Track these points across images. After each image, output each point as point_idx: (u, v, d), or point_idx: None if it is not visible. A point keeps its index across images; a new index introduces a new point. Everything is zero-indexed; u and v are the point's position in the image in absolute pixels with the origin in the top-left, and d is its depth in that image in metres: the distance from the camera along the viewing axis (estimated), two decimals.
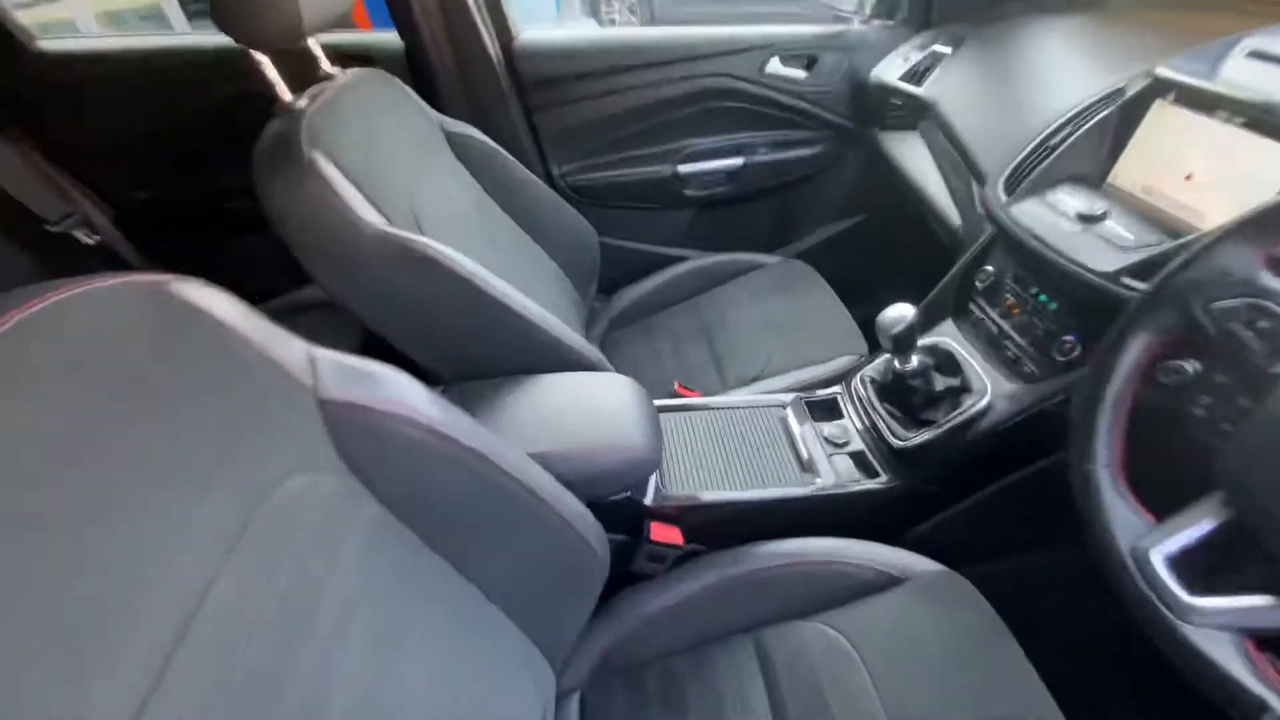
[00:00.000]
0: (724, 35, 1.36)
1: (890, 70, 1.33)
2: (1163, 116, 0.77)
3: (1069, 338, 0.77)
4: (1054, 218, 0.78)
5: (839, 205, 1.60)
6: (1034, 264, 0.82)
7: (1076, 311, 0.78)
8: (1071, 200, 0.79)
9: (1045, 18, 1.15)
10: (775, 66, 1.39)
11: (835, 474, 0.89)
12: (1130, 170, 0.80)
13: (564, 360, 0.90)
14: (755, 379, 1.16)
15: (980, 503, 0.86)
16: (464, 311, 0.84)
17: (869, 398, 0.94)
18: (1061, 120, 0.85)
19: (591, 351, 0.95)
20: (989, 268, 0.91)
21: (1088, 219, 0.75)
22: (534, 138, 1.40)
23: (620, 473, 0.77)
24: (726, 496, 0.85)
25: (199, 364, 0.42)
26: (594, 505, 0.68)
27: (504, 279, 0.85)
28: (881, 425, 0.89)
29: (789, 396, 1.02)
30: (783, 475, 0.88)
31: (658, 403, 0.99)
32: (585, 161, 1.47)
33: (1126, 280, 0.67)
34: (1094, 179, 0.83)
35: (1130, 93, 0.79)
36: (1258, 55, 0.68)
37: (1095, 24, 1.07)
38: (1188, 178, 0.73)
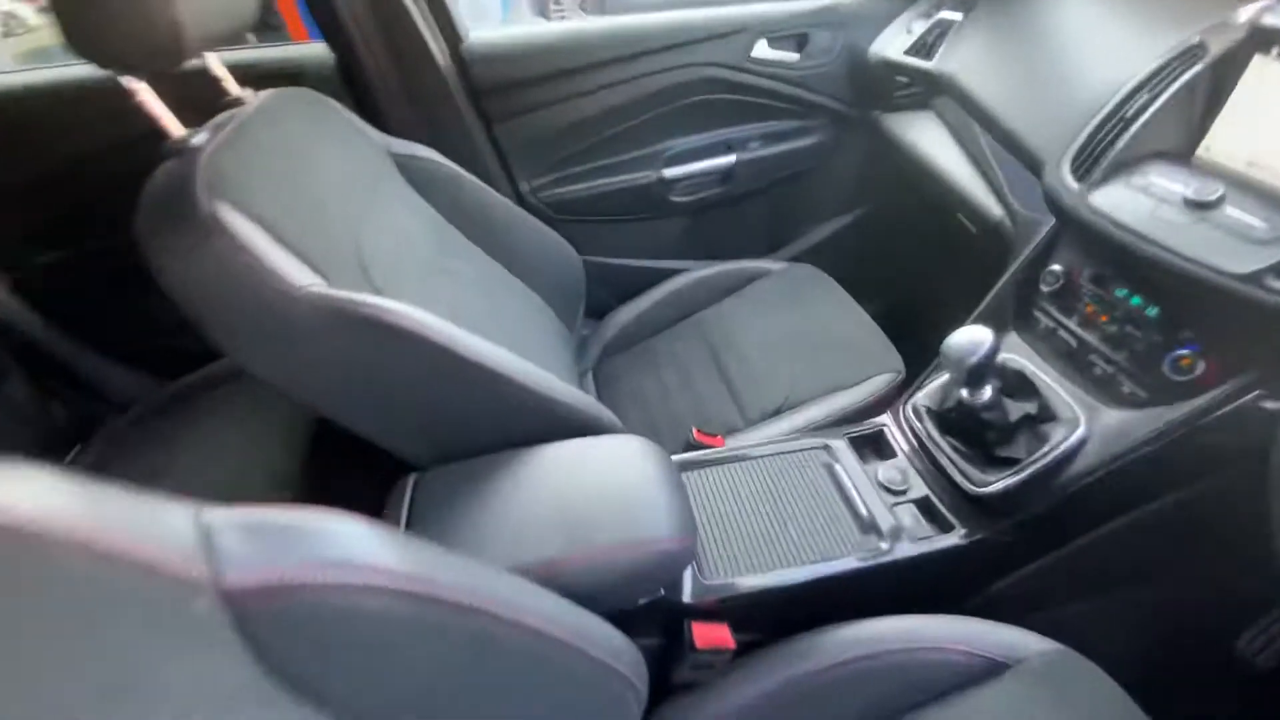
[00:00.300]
0: (702, 19, 1.20)
1: (893, 45, 1.18)
2: (1266, 74, 0.63)
3: (1184, 351, 0.63)
4: (1151, 205, 0.64)
5: (840, 199, 1.45)
6: (1127, 263, 0.68)
7: (1191, 319, 0.63)
8: (1168, 182, 0.64)
9: None
10: (763, 50, 1.23)
11: (903, 532, 0.73)
12: (1227, 142, 0.66)
13: (560, 423, 0.74)
14: (779, 411, 1.01)
15: (1079, 551, 0.72)
16: (433, 380, 0.67)
17: (928, 433, 0.79)
18: (1133, 85, 0.71)
19: (591, 406, 0.78)
20: (1056, 267, 0.77)
21: (1200, 205, 0.60)
22: (497, 152, 1.23)
23: (650, 574, 0.61)
24: (780, 579, 0.69)
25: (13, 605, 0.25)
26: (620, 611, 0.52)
27: (478, 327, 0.69)
28: (950, 468, 0.74)
29: (832, 434, 0.86)
30: (842, 540, 0.73)
31: (677, 459, 0.83)
32: (558, 174, 1.30)
33: (1272, 282, 0.53)
34: (1181, 154, 0.69)
35: (1217, 49, 0.65)
36: None
37: None
38: None
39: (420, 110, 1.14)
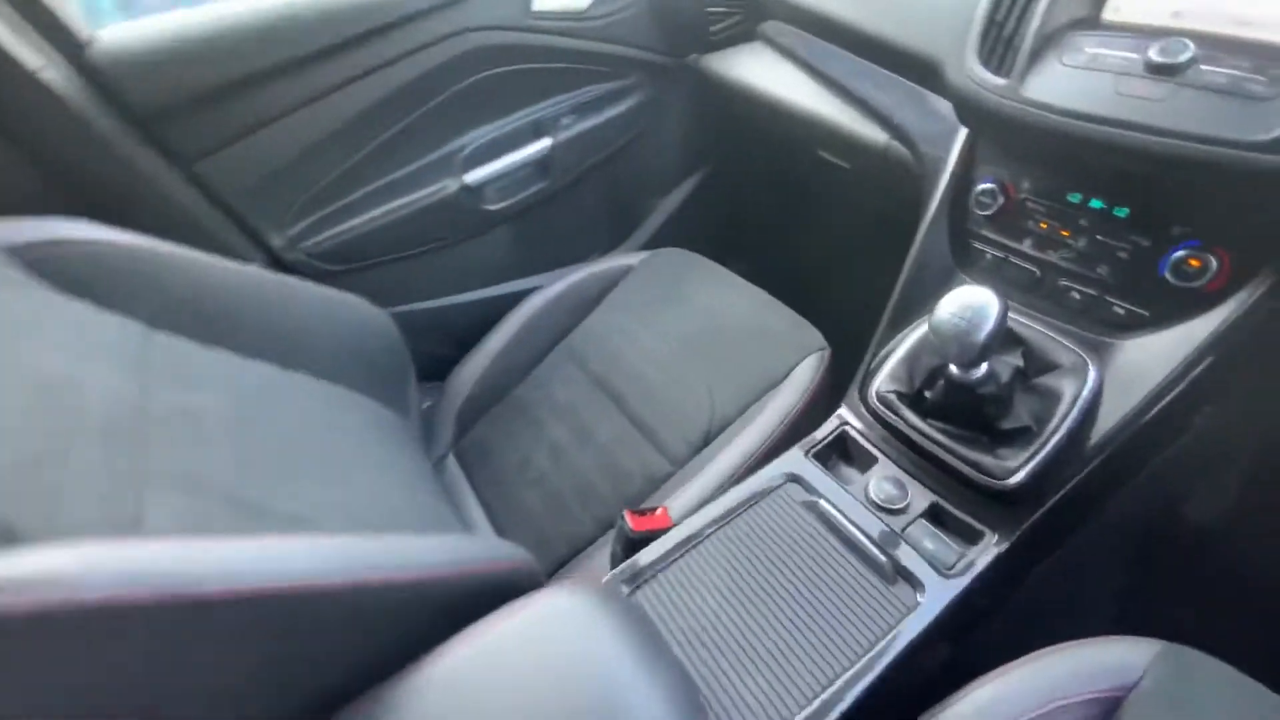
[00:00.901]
0: None
1: None
2: None
3: (1184, 250, 0.51)
4: (1110, 81, 0.51)
5: (681, 164, 1.26)
6: (1085, 161, 0.55)
7: (1181, 212, 0.52)
8: (1117, 51, 0.52)
9: None
10: (544, 1, 0.98)
11: (933, 561, 0.56)
12: None
13: (444, 606, 0.45)
14: (708, 437, 0.81)
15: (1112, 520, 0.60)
16: (195, 647, 0.35)
17: (911, 424, 0.62)
18: None
19: (478, 555, 0.50)
20: (987, 185, 0.63)
21: (1170, 69, 0.48)
22: (213, 202, 0.84)
23: None
24: (832, 705, 0.48)
25: None
26: None
27: (249, 495, 0.41)
28: (959, 465, 0.58)
29: (791, 458, 0.67)
30: (875, 613, 0.54)
31: (621, 576, 0.58)
32: (319, 213, 0.94)
33: None
34: (1089, 21, 0.57)
35: None
36: None
37: None
38: None
39: (42, 161, 0.72)
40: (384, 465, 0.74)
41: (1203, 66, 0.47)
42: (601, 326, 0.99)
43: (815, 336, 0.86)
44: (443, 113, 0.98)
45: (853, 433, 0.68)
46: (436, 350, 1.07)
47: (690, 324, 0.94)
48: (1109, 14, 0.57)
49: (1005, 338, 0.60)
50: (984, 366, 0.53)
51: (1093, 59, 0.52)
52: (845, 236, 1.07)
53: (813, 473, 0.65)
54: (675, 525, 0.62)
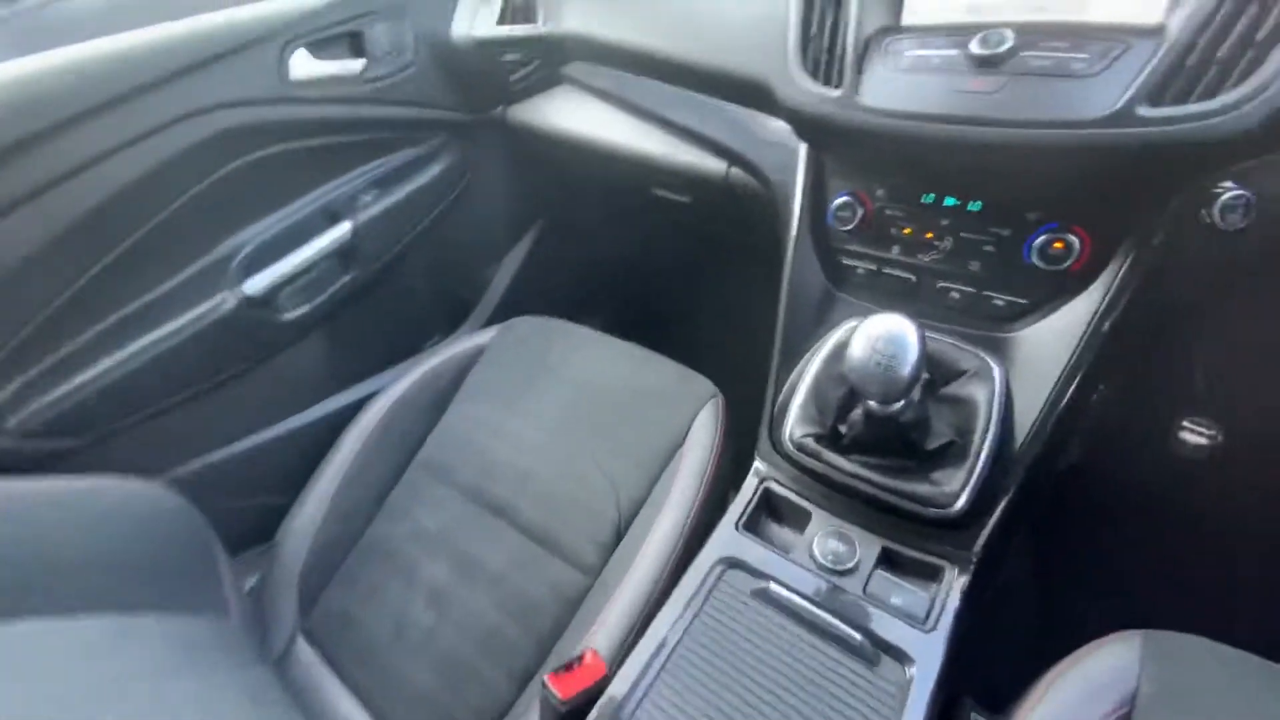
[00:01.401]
0: (181, 35, 0.72)
1: (480, 21, 0.91)
2: None
3: (1044, 234, 0.51)
4: (943, 81, 0.49)
5: (509, 225, 1.15)
6: (932, 161, 0.54)
7: (1032, 197, 0.52)
8: (934, 50, 0.51)
9: None
10: (307, 65, 0.82)
11: (908, 622, 0.50)
12: None
13: None
14: (620, 532, 0.69)
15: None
16: None
17: (837, 468, 0.56)
18: None
19: None
20: (842, 199, 0.60)
21: (995, 61, 0.47)
22: None
23: None
24: None
25: None
26: None
27: None
28: (897, 500, 0.53)
29: (724, 538, 0.58)
30: (873, 706, 0.45)
31: None
32: (33, 369, 0.69)
33: (1143, 111, 0.42)
34: (893, 26, 0.57)
35: None
36: None
37: None
38: None
39: None
40: (191, 704, 0.52)
41: (1024, 54, 0.47)
42: (462, 424, 0.84)
43: (704, 384, 0.79)
44: (200, 211, 0.77)
45: (777, 488, 0.61)
46: (253, 505, 0.84)
47: (565, 399, 0.82)
48: (908, 18, 0.57)
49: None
50: (910, 397, 0.48)
51: (917, 60, 0.51)
52: (707, 271, 1.03)
53: (750, 549, 0.56)
54: (611, 673, 0.49)
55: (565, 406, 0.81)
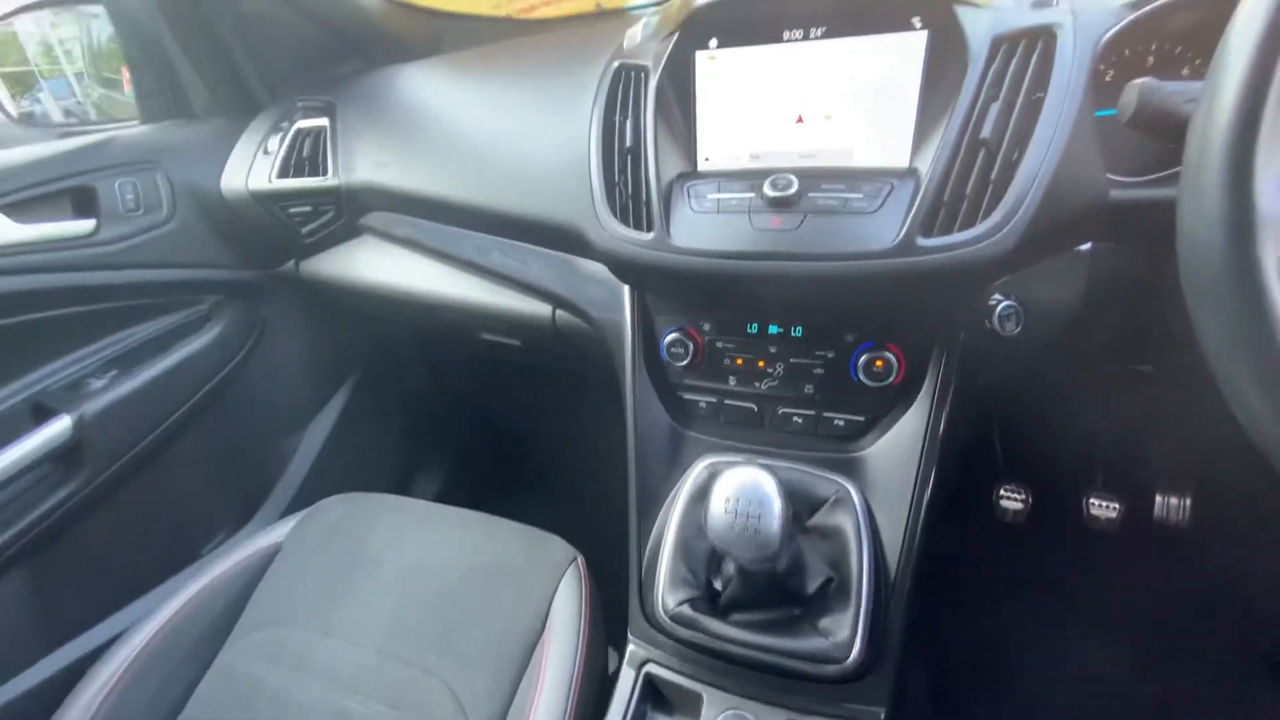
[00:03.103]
0: None
1: (255, 173, 0.81)
2: (718, 73, 0.57)
3: (864, 354, 0.53)
4: (743, 220, 0.50)
5: (310, 391, 0.99)
6: (748, 291, 0.54)
7: (848, 319, 0.53)
8: (731, 194, 0.52)
9: (414, 64, 0.87)
10: (7, 229, 0.65)
11: None
12: (721, 145, 0.59)
13: None
14: None
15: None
16: None
17: (721, 635, 0.48)
18: (601, 119, 0.58)
19: None
20: (672, 335, 0.58)
21: (787, 202, 0.49)
22: None
23: None
24: None
25: None
26: None
27: None
28: (792, 662, 0.47)
29: None
30: None
31: None
32: None
33: (921, 241, 0.45)
34: (691, 173, 0.59)
35: (655, 62, 0.57)
36: None
37: (478, 55, 0.86)
38: (799, 120, 0.56)
39: None
40: None
41: (811, 194, 0.50)
42: (246, 665, 0.63)
43: (559, 548, 0.69)
44: None
45: (660, 672, 0.52)
46: None
47: (393, 598, 0.66)
48: (703, 165, 0.60)
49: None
50: (791, 548, 0.44)
51: (719, 202, 0.52)
52: (549, 414, 0.96)
53: None
54: None
55: (394, 609, 0.65)
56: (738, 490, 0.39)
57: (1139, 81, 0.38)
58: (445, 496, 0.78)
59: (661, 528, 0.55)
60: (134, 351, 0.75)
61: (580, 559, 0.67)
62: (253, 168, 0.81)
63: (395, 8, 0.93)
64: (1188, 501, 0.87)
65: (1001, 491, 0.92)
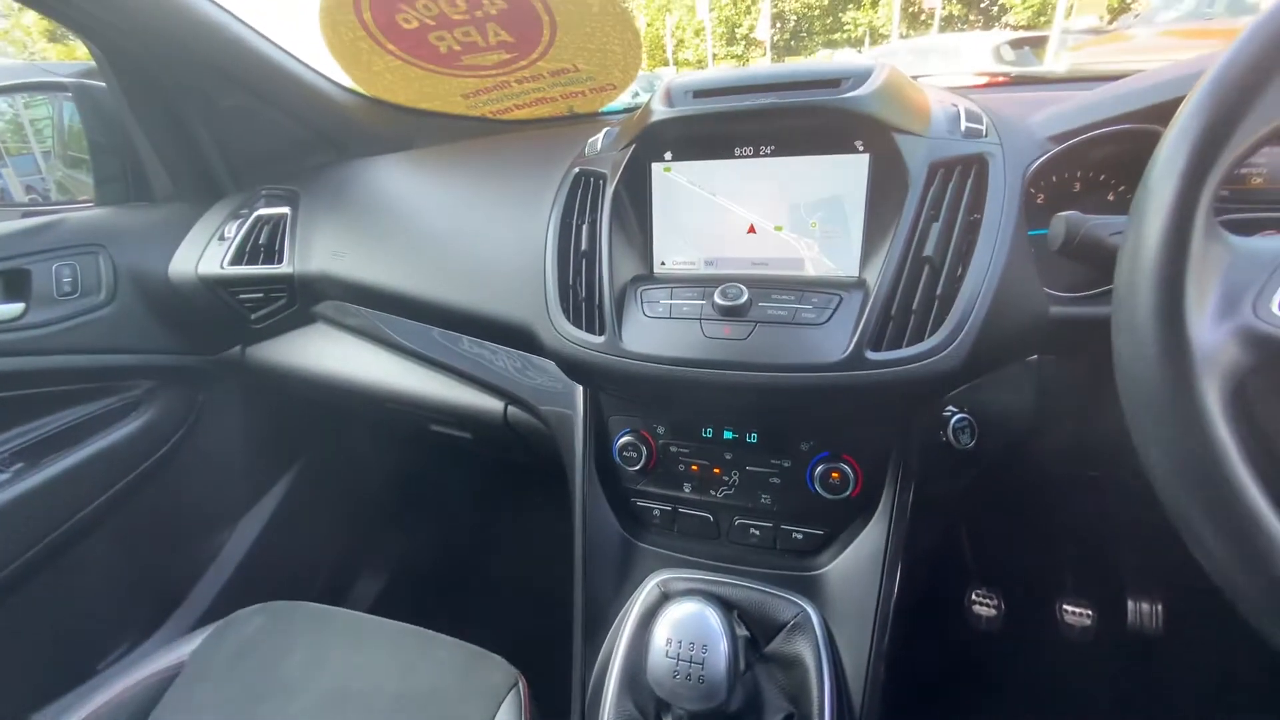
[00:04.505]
0: None
1: (207, 259, 0.80)
2: (673, 183, 0.59)
3: (821, 465, 0.51)
4: (693, 328, 0.50)
5: (242, 485, 0.93)
6: (699, 397, 0.52)
7: (802, 428, 0.52)
8: (685, 300, 0.52)
9: (383, 158, 0.89)
10: None
11: None
12: (675, 251, 0.60)
13: None
14: None
15: None
16: None
17: None
18: (558, 221, 0.59)
19: None
20: (625, 438, 0.56)
21: (737, 310, 0.49)
22: None
23: None
24: None
25: None
26: None
27: None
28: None
29: None
30: None
31: None
32: None
33: (869, 355, 0.45)
34: (647, 276, 0.59)
35: (613, 171, 0.58)
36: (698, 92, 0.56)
37: (448, 152, 0.88)
38: (750, 230, 0.57)
39: None
40: None
41: (761, 304, 0.50)
42: None
43: (498, 668, 0.62)
44: None
45: None
46: None
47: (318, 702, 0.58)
48: (659, 268, 0.60)
49: (720, 604, 0.50)
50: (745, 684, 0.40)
51: (670, 309, 0.52)
52: (497, 516, 0.91)
53: None
54: None
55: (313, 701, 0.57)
56: (679, 629, 0.36)
57: (1065, 214, 0.40)
58: (385, 602, 0.71)
59: (609, 653, 0.50)
60: (47, 441, 0.70)
61: (522, 682, 0.61)
62: (204, 253, 0.80)
63: (371, 104, 0.96)
64: (1159, 608, 0.85)
65: (974, 597, 0.89)
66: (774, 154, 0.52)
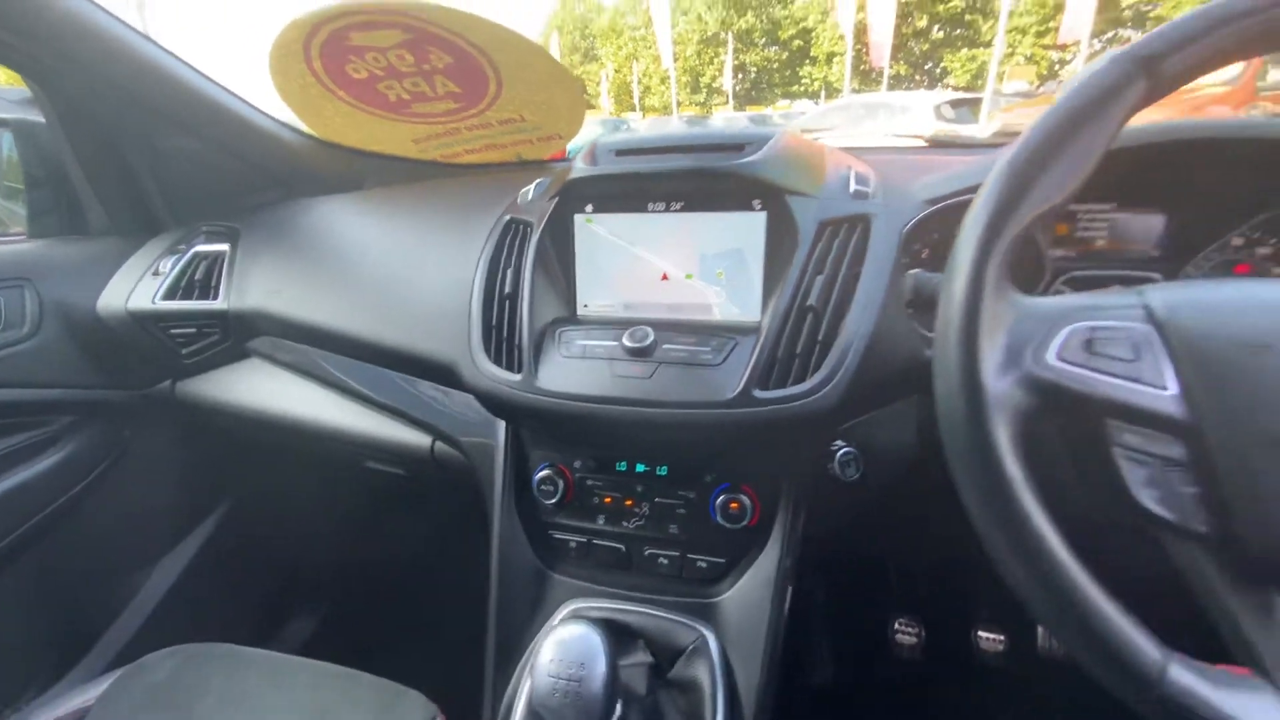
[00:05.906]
0: None
1: (138, 293, 0.80)
2: (594, 233, 0.63)
3: (721, 496, 0.54)
4: (604, 366, 0.54)
5: (165, 521, 0.91)
6: (610, 433, 0.56)
7: (705, 461, 0.56)
8: (598, 341, 0.56)
9: (328, 199, 0.91)
10: None
11: None
12: (596, 295, 0.64)
13: None
14: None
15: None
16: None
17: None
18: (486, 266, 0.62)
19: None
20: (543, 472, 0.59)
21: (643, 352, 0.53)
22: None
23: None
24: None
25: None
26: None
27: None
28: None
29: None
30: None
31: None
32: None
33: (758, 394, 0.49)
34: (571, 317, 0.63)
35: (540, 220, 0.63)
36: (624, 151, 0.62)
37: (390, 195, 0.91)
38: (664, 278, 0.62)
39: None
40: None
41: (665, 346, 0.54)
42: None
43: (417, 704, 0.62)
44: None
45: None
46: None
47: None
48: (582, 310, 0.64)
49: (623, 633, 0.52)
50: (618, 710, 0.42)
51: (584, 349, 0.56)
52: (428, 553, 0.91)
53: None
54: None
55: None
56: (562, 648, 0.38)
57: (913, 272, 0.45)
58: (317, 642, 0.70)
59: (517, 686, 0.51)
60: None
61: (440, 717, 0.61)
62: (136, 288, 0.80)
63: (322, 146, 0.99)
64: None
65: (896, 625, 0.93)
66: (684, 209, 0.57)
